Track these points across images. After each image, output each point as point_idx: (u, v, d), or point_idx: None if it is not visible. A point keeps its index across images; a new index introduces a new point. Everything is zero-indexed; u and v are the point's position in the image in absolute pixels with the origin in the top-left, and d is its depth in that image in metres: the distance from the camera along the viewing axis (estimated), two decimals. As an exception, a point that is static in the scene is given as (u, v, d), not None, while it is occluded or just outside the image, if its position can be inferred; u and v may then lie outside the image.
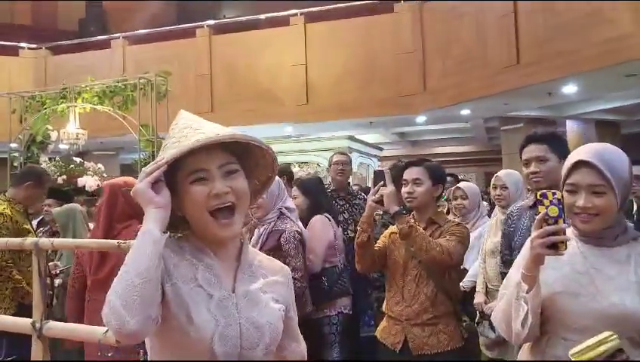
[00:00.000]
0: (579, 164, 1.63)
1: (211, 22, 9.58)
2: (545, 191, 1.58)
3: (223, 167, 1.23)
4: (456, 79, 7.45)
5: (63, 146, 7.05)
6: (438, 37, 7.84)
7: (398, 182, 2.68)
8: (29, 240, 1.64)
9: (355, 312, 3.57)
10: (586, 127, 9.44)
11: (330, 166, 4.26)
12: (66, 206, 4.26)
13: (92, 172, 5.93)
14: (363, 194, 4.25)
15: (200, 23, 9.41)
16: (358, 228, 2.69)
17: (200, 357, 1.19)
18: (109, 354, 2.08)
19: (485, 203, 4.59)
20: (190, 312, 1.18)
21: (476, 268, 3.65)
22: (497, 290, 3.18)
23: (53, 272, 3.78)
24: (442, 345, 2.54)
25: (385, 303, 2.76)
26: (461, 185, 4.01)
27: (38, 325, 1.55)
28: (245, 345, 1.22)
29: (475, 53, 7.20)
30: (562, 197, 1.57)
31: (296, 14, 8.86)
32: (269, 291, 1.31)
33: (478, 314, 3.40)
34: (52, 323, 1.55)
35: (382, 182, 2.56)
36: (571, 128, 9.52)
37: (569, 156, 1.70)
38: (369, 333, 3.72)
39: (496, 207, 3.66)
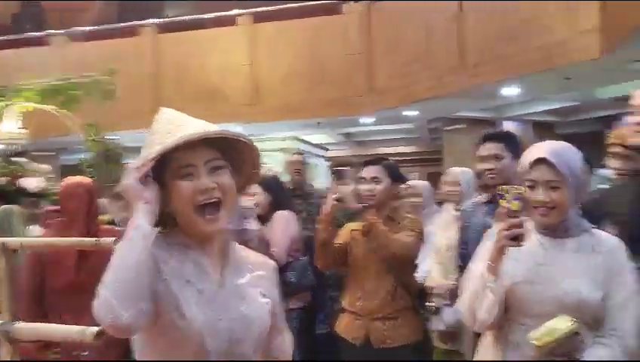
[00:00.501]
0: (538, 161, 1.73)
1: (156, 20, 9.40)
2: (505, 186, 1.67)
3: (210, 162, 1.25)
4: (404, 81, 7.59)
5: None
6: (386, 38, 7.97)
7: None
8: (-2, 239, 1.59)
9: (313, 309, 3.61)
10: (524, 127, 9.82)
11: (286, 166, 4.31)
12: (1, 207, 4.10)
13: (36, 172, 5.70)
14: (319, 192, 4.30)
15: (144, 22, 9.20)
16: (319, 226, 2.73)
17: (191, 351, 1.19)
18: (85, 353, 2.04)
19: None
20: (181, 308, 1.19)
21: (428, 263, 3.75)
22: (453, 284, 3.30)
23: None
24: (403, 338, 2.62)
25: (345, 299, 2.81)
26: (414, 182, 4.11)
27: (6, 327, 1.50)
28: (235, 338, 1.24)
29: (423, 55, 7.36)
30: (523, 192, 1.66)
31: (243, 14, 8.82)
32: (256, 285, 1.33)
33: (429, 309, 3.49)
34: (22, 324, 1.50)
35: (342, 181, 2.60)
36: (511, 129, 9.89)
37: (527, 153, 1.80)
38: (323, 330, 3.77)
39: (447, 203, 3.77)
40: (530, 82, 6.76)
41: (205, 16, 9.31)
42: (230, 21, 8.97)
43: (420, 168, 13.90)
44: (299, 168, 4.16)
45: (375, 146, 13.26)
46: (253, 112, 8.76)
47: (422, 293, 3.33)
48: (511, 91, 7.22)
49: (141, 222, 1.15)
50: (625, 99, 2.49)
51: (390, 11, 7.96)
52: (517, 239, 1.62)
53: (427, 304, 3.36)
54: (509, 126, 9.78)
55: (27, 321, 1.99)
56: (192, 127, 1.24)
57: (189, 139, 1.19)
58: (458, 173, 3.68)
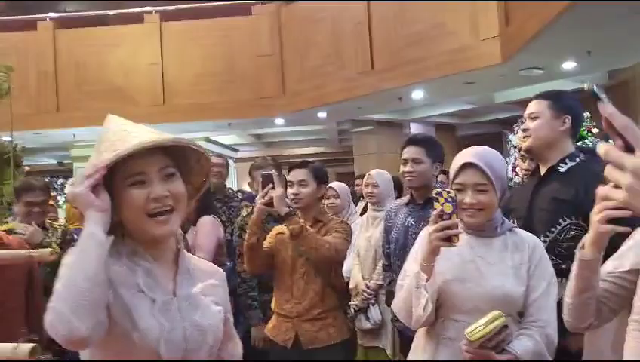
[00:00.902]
0: (465, 166, 1.84)
1: (55, 14, 8.89)
2: (440, 190, 1.75)
3: (162, 170, 1.24)
4: (315, 82, 7.70)
5: None
6: (296, 41, 8.03)
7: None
8: None
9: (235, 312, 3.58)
10: (427, 129, 10.27)
11: None
12: None
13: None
14: (239, 195, 4.27)
15: (42, 15, 8.68)
16: (248, 231, 2.72)
17: (144, 360, 1.17)
18: None
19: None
20: (134, 318, 1.17)
21: (349, 263, 3.83)
22: (377, 283, 3.41)
23: None
24: (332, 338, 2.67)
25: (274, 301, 2.83)
26: (333, 184, 4.18)
27: None
28: (189, 347, 1.24)
29: (332, 58, 7.50)
30: (455, 195, 1.75)
31: (151, 12, 8.55)
32: (208, 294, 1.33)
33: (352, 309, 3.57)
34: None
35: (270, 185, 2.61)
36: (415, 130, 10.32)
37: (455, 158, 1.90)
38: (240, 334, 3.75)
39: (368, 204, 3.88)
40: (434, 86, 7.07)
41: (109, 12, 8.94)
42: (137, 18, 8.66)
43: (329, 169, 14.11)
44: (219, 171, 4.10)
45: (285, 147, 13.32)
46: (161, 113, 8.51)
47: (346, 293, 3.41)
48: (417, 95, 7.52)
49: (95, 231, 1.12)
50: (519, 103, 2.70)
51: (300, 14, 8.05)
52: (449, 240, 1.71)
53: (351, 303, 3.44)
54: (414, 128, 10.22)
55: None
56: (144, 134, 1.21)
57: (144, 146, 1.17)
58: (376, 174, 3.80)
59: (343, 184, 4.31)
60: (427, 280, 1.75)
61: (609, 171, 0.75)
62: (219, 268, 1.47)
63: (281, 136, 12.60)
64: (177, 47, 8.45)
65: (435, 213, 1.73)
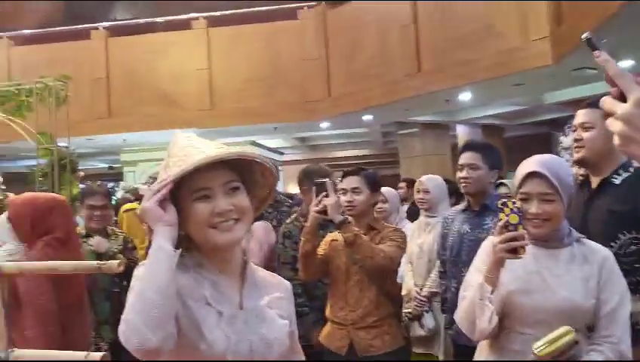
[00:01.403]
0: (530, 175, 1.79)
1: (107, 24, 9.16)
2: (505, 200, 1.72)
3: (226, 184, 1.25)
4: (360, 86, 7.69)
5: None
6: (341, 44, 8.05)
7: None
8: (-8, 264, 1.52)
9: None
10: (473, 130, 10.12)
11: None
12: None
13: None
14: (290, 200, 4.29)
15: (94, 25, 8.96)
16: (302, 238, 2.73)
17: None
18: None
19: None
20: (201, 329, 1.19)
21: (401, 270, 3.80)
22: (431, 290, 3.37)
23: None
24: (387, 346, 2.64)
25: (328, 309, 2.82)
26: (382, 189, 4.15)
27: (3, 354, 1.45)
28: (255, 360, 1.25)
29: (378, 61, 7.48)
30: (521, 205, 1.72)
31: (198, 18, 8.71)
32: (274, 307, 1.34)
33: (405, 316, 3.54)
34: (19, 351, 1.45)
35: (324, 193, 2.62)
36: (460, 132, 10.18)
37: (520, 167, 1.86)
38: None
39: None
40: (482, 88, 6.97)
41: (158, 19, 9.14)
42: (185, 25, 8.84)
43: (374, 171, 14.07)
44: None
45: (330, 150, 13.34)
46: (209, 117, 8.67)
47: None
48: (464, 96, 7.43)
49: (163, 244, 1.13)
50: (570, 103, 2.62)
51: (346, 17, 8.05)
52: (515, 251, 1.68)
53: (404, 311, 3.41)
54: (460, 129, 10.09)
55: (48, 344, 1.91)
56: (210, 149, 1.23)
57: (207, 161, 1.19)
58: (427, 180, 3.75)
59: (392, 189, 4.27)
60: (492, 292, 1.72)
61: (608, 121, 0.79)
62: (284, 281, 1.46)
63: (325, 139, 12.63)
64: (224, 52, 8.58)
65: (500, 223, 1.69)
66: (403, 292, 3.68)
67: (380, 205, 3.98)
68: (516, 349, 1.77)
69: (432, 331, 3.33)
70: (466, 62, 6.40)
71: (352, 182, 2.76)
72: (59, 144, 5.94)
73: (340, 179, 2.92)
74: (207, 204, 1.22)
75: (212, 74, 8.60)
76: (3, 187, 5.65)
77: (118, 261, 1.47)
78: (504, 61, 6.07)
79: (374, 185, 2.78)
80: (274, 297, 1.36)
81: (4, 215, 3.54)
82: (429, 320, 3.33)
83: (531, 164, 1.82)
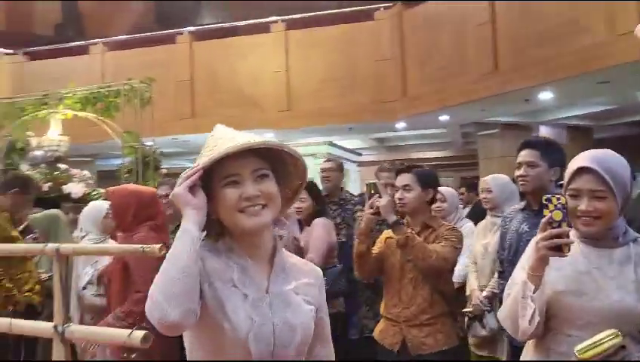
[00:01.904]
0: (581, 170, 1.72)
1: (192, 28, 9.58)
2: (549, 196, 1.66)
3: (255, 172, 1.30)
4: (436, 86, 7.58)
5: (38, 153, 6.96)
6: (417, 44, 7.97)
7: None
8: (50, 245, 1.66)
9: (346, 314, 3.65)
10: (558, 132, 9.67)
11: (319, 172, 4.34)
12: (45, 212, 4.20)
13: (78, 179, 5.89)
14: (356, 198, 4.32)
15: (180, 29, 9.39)
16: (356, 240, 2.77)
17: (236, 352, 1.24)
18: (133, 356, 2.13)
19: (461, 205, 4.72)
20: (227, 311, 1.24)
21: (457, 269, 3.74)
22: (493, 290, 3.30)
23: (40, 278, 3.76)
24: (440, 344, 2.63)
25: (382, 305, 2.84)
26: (440, 188, 4.11)
27: (60, 328, 1.58)
28: (278, 343, 1.28)
29: (455, 61, 7.34)
30: (566, 202, 1.65)
31: (276, 21, 8.92)
32: (301, 293, 1.37)
33: (466, 316, 3.48)
34: (74, 327, 1.58)
35: (376, 195, 2.64)
36: (545, 133, 9.76)
37: (571, 162, 1.79)
38: (354, 336, 3.80)
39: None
40: (564, 86, 6.67)
41: (239, 23, 9.45)
42: (264, 28, 9.08)
43: (453, 173, 13.81)
44: (328, 175, 4.19)
45: (408, 151, 13.20)
46: (286, 118, 8.85)
47: (455, 297, 3.34)
48: (545, 96, 7.13)
49: (189, 227, 1.20)
50: None
51: (422, 17, 7.97)
52: (559, 249, 1.62)
53: (464, 310, 3.36)
54: (543, 131, 9.68)
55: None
56: (239, 139, 1.29)
57: (233, 150, 1.25)
58: (490, 179, 3.68)
59: (451, 189, 4.24)
60: (535, 291, 1.67)
61: None
62: (316, 268, 1.49)
63: (403, 140, 12.52)
64: (301, 54, 8.73)
65: (544, 220, 1.64)
66: (467, 293, 3.63)
67: (438, 204, 3.94)
68: (562, 351, 1.71)
69: (494, 331, 3.27)
70: (546, 60, 6.15)
71: (403, 179, 2.77)
72: (145, 143, 6.31)
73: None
74: (236, 190, 1.28)
75: (289, 75, 8.77)
76: (90, 182, 6.06)
77: (159, 245, 1.57)
78: (588, 57, 5.78)
79: (426, 182, 2.77)
80: (302, 283, 1.39)
81: (90, 207, 3.83)
82: (490, 320, 3.27)
83: (582, 159, 1.75)
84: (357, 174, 12.40)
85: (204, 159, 1.27)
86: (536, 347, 1.81)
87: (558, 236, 1.61)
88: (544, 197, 1.66)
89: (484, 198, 3.67)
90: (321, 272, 1.50)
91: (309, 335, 1.36)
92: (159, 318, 1.14)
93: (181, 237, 1.20)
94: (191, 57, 9.21)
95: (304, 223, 3.53)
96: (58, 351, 1.61)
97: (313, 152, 10.24)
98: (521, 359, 1.89)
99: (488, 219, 3.69)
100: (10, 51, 10.10)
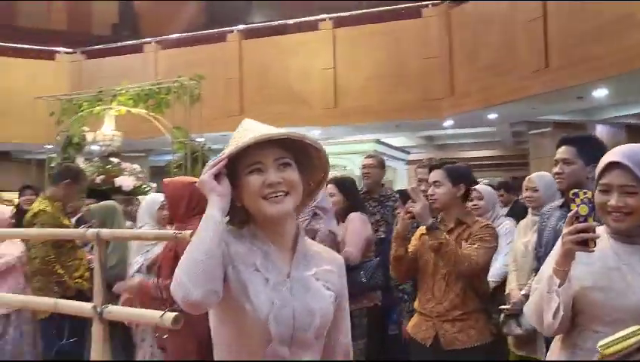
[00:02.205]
0: (611, 165, 1.69)
1: (241, 26, 9.75)
2: (577, 190, 1.64)
3: (277, 160, 1.35)
4: (484, 83, 7.48)
5: (94, 147, 7.27)
6: (465, 41, 7.88)
7: None
8: (91, 230, 1.77)
9: (384, 309, 3.66)
10: (615, 131, 9.37)
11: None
12: (103, 203, 4.40)
13: (128, 172, 6.12)
14: (396, 195, 4.33)
15: (230, 28, 9.59)
16: (393, 243, 2.78)
17: (256, 334, 1.30)
18: (165, 337, 2.23)
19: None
20: (248, 293, 1.30)
21: (496, 267, 3.69)
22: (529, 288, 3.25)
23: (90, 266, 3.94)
24: (472, 340, 2.61)
25: (417, 300, 2.85)
26: (477, 186, 4.07)
27: (99, 309, 1.67)
28: (298, 326, 1.33)
29: (503, 58, 7.22)
30: (592, 196, 1.63)
31: (324, 19, 8.98)
32: (321, 279, 1.41)
33: (502, 315, 3.44)
34: (112, 307, 1.67)
35: (410, 201, 2.65)
36: (601, 132, 9.45)
37: (603, 157, 1.76)
38: (394, 331, 3.81)
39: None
40: (619, 83, 6.45)
41: (288, 21, 9.56)
42: (312, 26, 9.16)
43: (503, 173, 13.53)
44: (368, 172, 4.21)
45: (456, 149, 13.05)
46: (333, 115, 8.91)
47: (493, 295, 3.31)
48: (599, 93, 6.92)
49: (213, 213, 1.27)
50: None
51: (470, 14, 7.87)
52: (585, 244, 1.60)
53: (501, 307, 3.33)
54: (600, 130, 9.37)
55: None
56: (263, 130, 1.35)
57: (256, 140, 1.30)
58: (536, 177, 3.62)
59: (489, 187, 4.17)
60: (560, 285, 1.65)
61: None
62: (337, 256, 1.53)
63: (452, 139, 12.37)
64: (349, 51, 8.77)
65: (570, 214, 1.63)
66: (506, 291, 3.59)
67: (475, 202, 3.91)
68: (588, 348, 1.68)
69: (529, 330, 3.21)
70: (599, 56, 5.98)
71: (434, 175, 2.78)
72: (196, 139, 6.50)
73: None
74: (259, 177, 1.33)
75: (337, 73, 8.83)
76: (140, 175, 6.28)
77: (190, 231, 1.64)
78: (642, 53, 5.59)
79: (457, 178, 2.75)
80: (323, 269, 1.43)
81: (146, 199, 3.99)
82: (526, 320, 3.21)
83: (613, 154, 1.71)
84: (405, 172, 12.33)
85: (230, 148, 1.33)
86: (562, 343, 1.79)
87: (584, 231, 1.59)
88: (571, 192, 1.64)
89: (529, 197, 3.61)
90: (343, 261, 1.54)
91: (328, 320, 1.40)
92: (182, 297, 1.21)
93: (205, 222, 1.26)
94: (240, 55, 9.39)
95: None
96: (97, 330, 1.71)
97: (360, 150, 10.26)
98: (548, 355, 1.87)
99: (529, 217, 3.63)
100: (70, 50, 10.56)
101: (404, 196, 2.67)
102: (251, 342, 1.31)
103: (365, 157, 4.40)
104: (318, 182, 1.48)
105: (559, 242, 1.82)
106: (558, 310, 1.64)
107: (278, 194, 1.33)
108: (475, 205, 3.89)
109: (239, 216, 1.40)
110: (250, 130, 1.36)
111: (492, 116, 8.46)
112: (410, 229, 2.80)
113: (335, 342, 1.48)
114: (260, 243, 1.37)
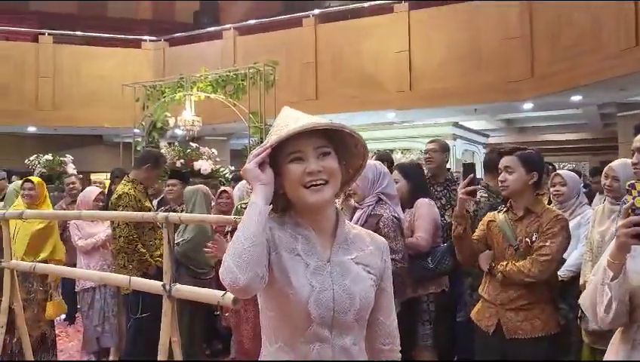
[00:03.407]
0: None
1: (317, 11, 9.80)
2: (633, 181, 1.58)
3: (318, 149, 1.39)
4: (567, 64, 7.14)
5: (179, 132, 7.63)
6: (547, 21, 7.53)
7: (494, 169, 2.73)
8: (161, 214, 1.90)
9: (451, 295, 3.65)
10: None
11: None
12: (192, 186, 4.65)
13: (206, 156, 6.39)
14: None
15: (306, 13, 9.66)
16: (453, 222, 2.76)
17: (298, 316, 1.36)
18: (227, 314, 2.40)
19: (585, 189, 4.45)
20: (290, 277, 1.36)
21: (575, 257, 3.57)
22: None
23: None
24: (536, 331, 2.57)
25: (481, 286, 2.82)
26: (560, 171, 3.92)
27: (167, 287, 1.80)
28: (338, 309, 1.38)
29: (588, 37, 6.85)
30: None
31: (400, 1, 8.86)
32: (362, 262, 1.46)
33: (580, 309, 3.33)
34: (179, 286, 1.79)
35: (472, 175, 2.61)
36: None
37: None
38: (462, 318, 3.79)
39: (599, 195, 3.56)
40: None
41: (364, 4, 9.52)
42: (387, 9, 9.07)
43: (590, 156, 12.91)
44: (431, 156, 4.18)
45: (538, 133, 12.58)
46: (408, 99, 8.81)
47: (570, 286, 3.22)
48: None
49: (257, 200, 1.32)
50: None
51: (553, -9, 7.49)
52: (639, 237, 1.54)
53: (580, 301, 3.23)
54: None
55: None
56: (304, 120, 1.39)
57: (298, 130, 1.35)
58: (617, 166, 3.45)
59: (573, 173, 3.98)
60: (614, 278, 1.60)
61: None
62: (380, 238, 1.56)
63: (533, 122, 11.93)
64: (423, 33, 8.62)
65: (625, 206, 1.57)
66: (581, 282, 3.47)
67: (557, 188, 3.78)
68: None
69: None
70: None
71: (505, 161, 2.71)
72: (271, 124, 6.67)
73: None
74: (300, 165, 1.38)
75: (412, 56, 8.71)
76: (218, 159, 6.53)
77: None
78: None
79: (531, 165, 2.68)
80: (364, 253, 1.47)
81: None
82: None
83: None
84: (484, 156, 12.04)
85: (273, 138, 1.39)
86: (622, 337, 1.74)
87: (638, 224, 1.54)
88: (627, 183, 1.59)
89: (609, 186, 3.45)
90: (386, 243, 1.56)
91: (369, 303, 1.44)
92: (230, 282, 1.28)
93: (249, 209, 1.32)
94: (316, 40, 9.45)
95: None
96: (166, 306, 1.84)
97: (437, 133, 10.12)
98: (609, 348, 1.83)
99: (607, 205, 3.47)
100: (154, 38, 11.03)
101: (467, 170, 2.63)
102: (294, 325, 1.38)
103: (428, 142, 4.37)
104: (356, 169, 1.52)
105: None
106: (611, 304, 1.60)
107: (318, 182, 1.37)
108: (557, 191, 3.76)
109: (281, 203, 1.45)
110: (292, 119, 1.41)
111: (576, 98, 8.08)
112: (469, 207, 2.75)
113: (377, 323, 1.51)
114: (301, 229, 1.43)
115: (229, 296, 1.60)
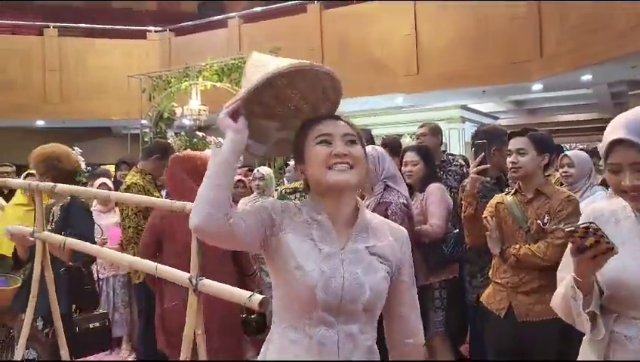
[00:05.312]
0: (615, 143, 1.51)
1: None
2: (572, 228, 1.39)
3: (346, 136, 1.42)
4: (576, 43, 7.03)
5: (186, 121, 7.62)
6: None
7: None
8: (177, 203, 1.93)
9: (462, 279, 3.63)
10: None
11: None
12: None
13: (213, 145, 6.37)
14: (460, 161, 4.24)
15: (310, -1, 9.58)
16: (464, 203, 2.73)
17: (304, 300, 1.36)
18: (253, 316, 2.45)
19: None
20: (299, 261, 1.36)
21: None
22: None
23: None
24: (548, 313, 2.51)
25: (492, 269, 2.80)
26: (569, 153, 3.87)
27: (194, 280, 1.79)
28: (346, 297, 1.36)
29: (598, 14, 6.73)
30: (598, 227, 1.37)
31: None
32: (378, 252, 1.43)
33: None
34: (206, 281, 1.77)
35: (482, 154, 2.57)
36: None
37: (605, 132, 1.60)
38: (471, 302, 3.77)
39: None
40: None
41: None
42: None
43: (601, 137, 12.74)
44: (422, 141, 4.17)
45: (548, 114, 12.45)
46: (416, 82, 8.74)
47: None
48: None
49: (223, 147, 1.34)
50: None
51: (561, -31, 7.36)
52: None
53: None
54: None
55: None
56: (274, 65, 1.36)
57: (270, 76, 1.33)
58: (572, 154, 3.41)
59: (582, 153, 3.92)
60: (585, 296, 1.50)
61: None
62: (400, 228, 1.54)
63: (544, 103, 11.79)
64: (430, 15, 8.53)
65: (571, 250, 1.44)
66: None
67: (565, 169, 3.73)
68: (625, 334, 1.52)
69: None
70: None
71: (516, 143, 2.67)
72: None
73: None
74: (327, 147, 1.39)
75: (418, 39, 8.62)
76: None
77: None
78: None
79: (542, 146, 2.64)
80: (382, 244, 1.45)
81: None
82: None
83: (614, 128, 1.51)
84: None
85: (242, 91, 1.37)
86: None
87: (598, 254, 1.40)
88: (566, 230, 1.40)
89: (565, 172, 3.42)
90: (406, 233, 1.54)
91: (380, 294, 1.41)
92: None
93: (212, 157, 1.34)
94: (321, 25, 9.38)
95: (414, 188, 3.54)
96: (192, 300, 1.83)
97: (445, 117, 10.04)
98: (584, 339, 1.69)
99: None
100: (160, 29, 11.00)
101: (478, 149, 2.59)
102: (300, 308, 1.37)
103: (418, 127, 4.36)
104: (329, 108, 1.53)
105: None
106: (587, 322, 1.52)
107: (344, 164, 1.38)
108: (565, 172, 3.71)
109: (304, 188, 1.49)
110: (264, 64, 1.38)
111: (586, 77, 7.96)
112: (480, 187, 2.71)
113: (399, 317, 1.51)
114: (318, 215, 1.42)
115: (257, 297, 1.58)
